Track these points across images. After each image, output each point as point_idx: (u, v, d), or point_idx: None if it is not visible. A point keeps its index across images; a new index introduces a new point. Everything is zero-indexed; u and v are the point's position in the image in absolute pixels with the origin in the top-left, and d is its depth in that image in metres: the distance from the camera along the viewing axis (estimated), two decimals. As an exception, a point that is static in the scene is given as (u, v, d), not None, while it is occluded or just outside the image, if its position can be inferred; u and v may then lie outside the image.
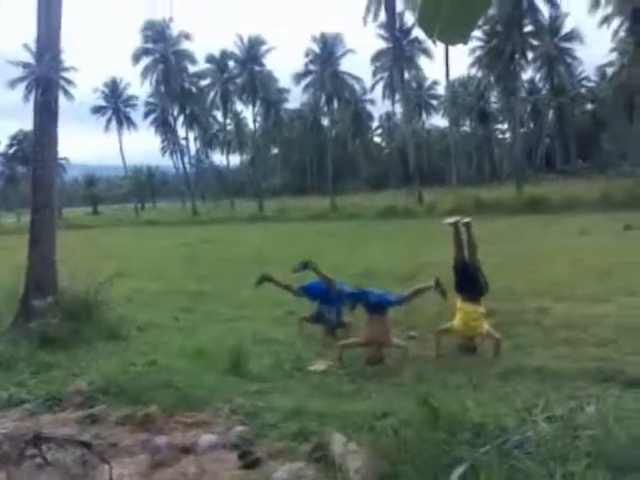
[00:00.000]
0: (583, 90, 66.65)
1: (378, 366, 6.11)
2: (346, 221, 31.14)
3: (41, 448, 3.75)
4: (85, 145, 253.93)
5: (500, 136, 77.29)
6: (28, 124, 9.54)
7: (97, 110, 66.68)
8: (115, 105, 67.01)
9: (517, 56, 42.54)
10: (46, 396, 5.20)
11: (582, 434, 3.13)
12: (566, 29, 56.34)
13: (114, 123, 66.57)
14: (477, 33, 43.19)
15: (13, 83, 55.93)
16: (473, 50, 49.68)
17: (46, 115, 8.30)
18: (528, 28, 43.71)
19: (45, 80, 8.48)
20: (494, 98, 67.23)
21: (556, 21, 54.69)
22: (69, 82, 58.10)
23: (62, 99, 10.56)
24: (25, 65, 53.86)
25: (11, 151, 71.21)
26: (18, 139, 69.23)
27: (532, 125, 71.51)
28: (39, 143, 8.41)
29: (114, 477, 3.56)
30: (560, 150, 65.01)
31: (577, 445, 3.03)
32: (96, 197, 73.64)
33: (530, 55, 48.02)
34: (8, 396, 5.25)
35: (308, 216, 35.38)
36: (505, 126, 73.38)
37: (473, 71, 55.66)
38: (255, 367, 5.94)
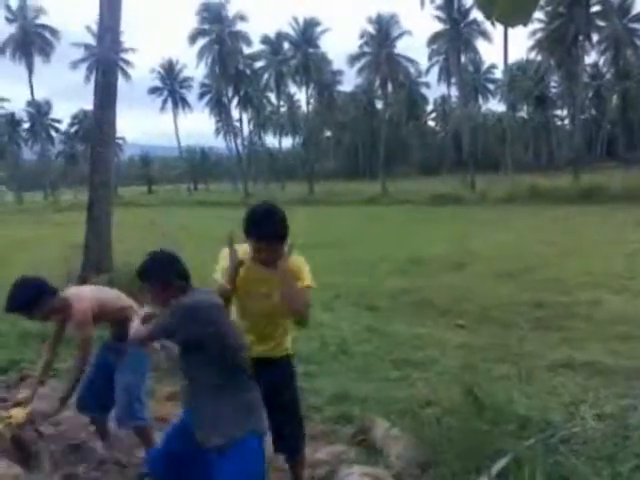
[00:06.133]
0: (652, 74, 63.46)
1: (424, 354, 6.07)
2: (396, 206, 30.84)
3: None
4: (141, 125, 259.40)
5: (559, 122, 74.74)
6: (89, 104, 9.85)
7: (153, 91, 67.90)
8: (171, 86, 68.06)
9: (581, 38, 40.83)
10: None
11: (633, 434, 3.03)
12: (637, 9, 53.71)
13: (170, 104, 67.79)
14: (538, 14, 41.60)
15: (75, 64, 57.87)
16: (533, 32, 48.04)
17: (106, 96, 8.54)
18: (594, 8, 41.92)
19: (105, 62, 8.72)
20: (554, 83, 65.00)
21: (625, 0, 52.24)
22: (127, 63, 59.53)
23: (120, 80, 10.83)
24: (87, 47, 55.54)
25: (72, 130, 73.66)
26: (79, 118, 71.58)
27: (593, 111, 68.83)
28: (98, 123, 8.68)
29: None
30: (623, 137, 62.33)
31: (627, 445, 2.94)
32: (151, 177, 75.22)
33: (595, 37, 46.07)
34: (67, 367, 5.50)
35: (358, 200, 35.17)
36: (564, 112, 70.98)
37: (532, 55, 53.88)
38: (302, 349, 5.99)
